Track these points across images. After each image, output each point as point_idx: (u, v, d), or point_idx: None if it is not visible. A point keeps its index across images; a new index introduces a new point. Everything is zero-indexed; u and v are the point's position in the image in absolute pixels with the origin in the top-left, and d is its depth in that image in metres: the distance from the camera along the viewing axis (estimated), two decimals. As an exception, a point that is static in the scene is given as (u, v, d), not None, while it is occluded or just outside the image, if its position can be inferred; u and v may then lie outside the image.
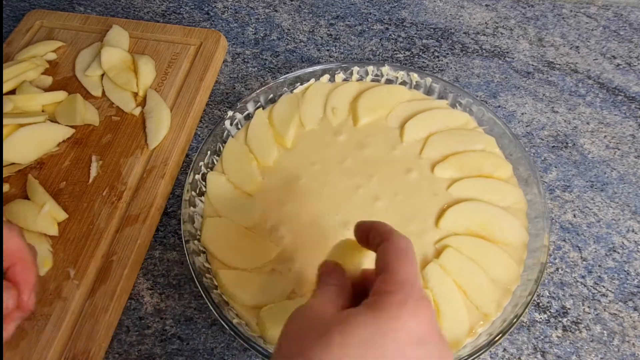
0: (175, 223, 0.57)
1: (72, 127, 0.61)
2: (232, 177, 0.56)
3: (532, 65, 0.70)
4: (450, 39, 0.73)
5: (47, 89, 0.64)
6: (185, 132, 0.61)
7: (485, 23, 0.75)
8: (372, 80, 0.63)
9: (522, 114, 0.65)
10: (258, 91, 0.60)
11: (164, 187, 0.57)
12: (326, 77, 0.62)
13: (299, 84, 0.62)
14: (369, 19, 0.76)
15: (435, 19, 0.76)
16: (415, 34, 0.74)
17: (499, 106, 0.66)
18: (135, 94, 0.64)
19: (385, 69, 0.62)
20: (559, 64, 0.70)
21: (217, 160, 0.57)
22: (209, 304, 0.46)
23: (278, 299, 0.48)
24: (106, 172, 0.58)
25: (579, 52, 0.71)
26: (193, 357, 0.49)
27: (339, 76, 0.63)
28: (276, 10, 0.77)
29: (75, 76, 0.66)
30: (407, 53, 0.71)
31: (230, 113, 0.58)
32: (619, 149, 0.62)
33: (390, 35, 0.74)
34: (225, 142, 0.58)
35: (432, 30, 0.74)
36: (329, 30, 0.74)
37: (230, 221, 0.53)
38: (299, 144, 0.58)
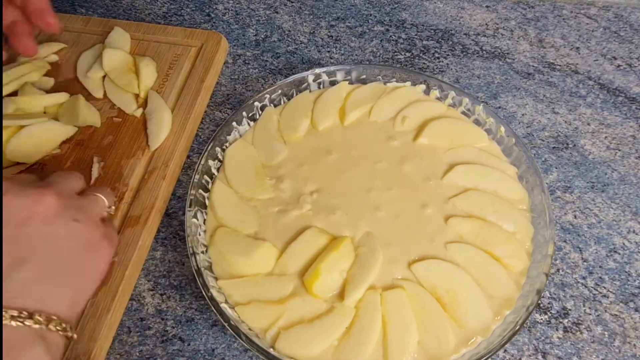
0: (176, 224, 0.57)
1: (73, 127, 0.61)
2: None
3: (533, 66, 0.70)
4: (450, 40, 0.73)
5: (49, 91, 0.64)
6: (186, 133, 0.61)
7: (486, 24, 0.75)
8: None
9: (523, 115, 0.65)
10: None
11: (165, 189, 0.57)
12: (414, 86, 0.61)
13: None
14: (370, 21, 0.76)
15: (436, 20, 0.76)
16: (416, 35, 0.74)
17: (499, 107, 0.66)
18: (137, 96, 0.64)
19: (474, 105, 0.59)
20: (560, 65, 0.70)
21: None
22: (210, 304, 0.46)
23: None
24: (107, 174, 0.58)
25: (579, 53, 0.71)
26: (194, 357, 0.49)
27: (420, 87, 0.61)
28: (277, 12, 0.77)
29: (77, 78, 0.66)
30: (408, 54, 0.71)
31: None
32: (619, 150, 0.62)
33: (390, 36, 0.74)
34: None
35: (432, 31, 0.74)
36: (329, 32, 0.75)
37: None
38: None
